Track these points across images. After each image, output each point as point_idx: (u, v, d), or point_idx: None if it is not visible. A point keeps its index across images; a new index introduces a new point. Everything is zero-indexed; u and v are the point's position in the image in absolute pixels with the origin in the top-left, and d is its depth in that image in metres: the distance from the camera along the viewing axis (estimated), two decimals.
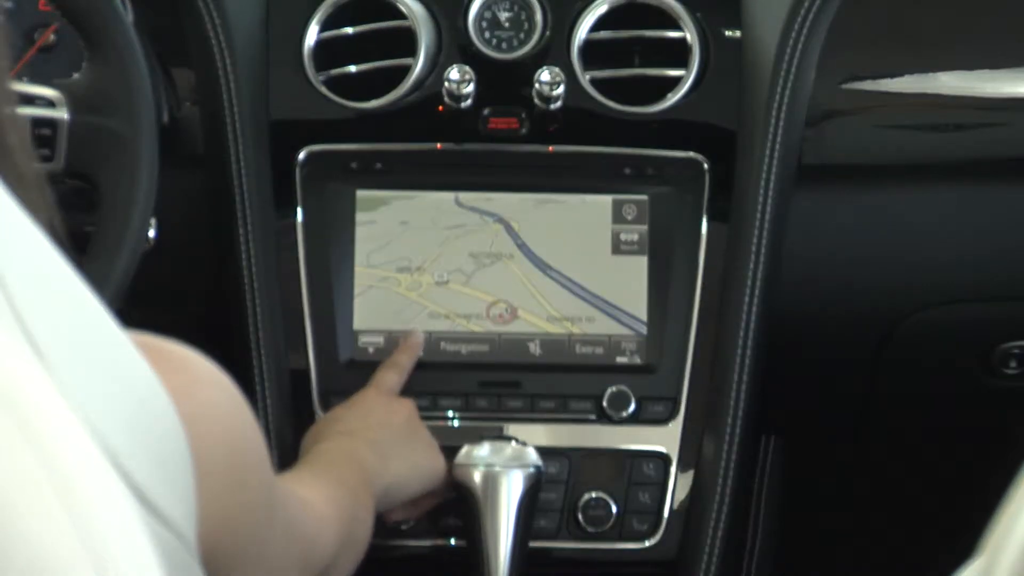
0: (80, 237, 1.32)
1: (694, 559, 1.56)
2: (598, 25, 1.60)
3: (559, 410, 1.57)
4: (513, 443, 1.51)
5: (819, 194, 1.63)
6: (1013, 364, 1.73)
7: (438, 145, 1.61)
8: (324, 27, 1.61)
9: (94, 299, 0.74)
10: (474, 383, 1.58)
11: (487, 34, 1.59)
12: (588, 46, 1.60)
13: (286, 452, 1.55)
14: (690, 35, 1.59)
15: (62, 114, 1.39)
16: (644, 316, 1.58)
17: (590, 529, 1.55)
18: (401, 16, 1.59)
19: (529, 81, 1.57)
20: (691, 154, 1.60)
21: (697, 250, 1.59)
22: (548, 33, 1.58)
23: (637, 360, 1.58)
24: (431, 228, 1.60)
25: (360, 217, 1.60)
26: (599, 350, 1.58)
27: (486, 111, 1.60)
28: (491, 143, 1.61)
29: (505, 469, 1.47)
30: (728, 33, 1.61)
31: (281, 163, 1.60)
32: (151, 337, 0.82)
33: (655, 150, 1.60)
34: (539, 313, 1.59)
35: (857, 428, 1.86)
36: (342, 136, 1.60)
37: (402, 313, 1.59)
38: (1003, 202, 1.66)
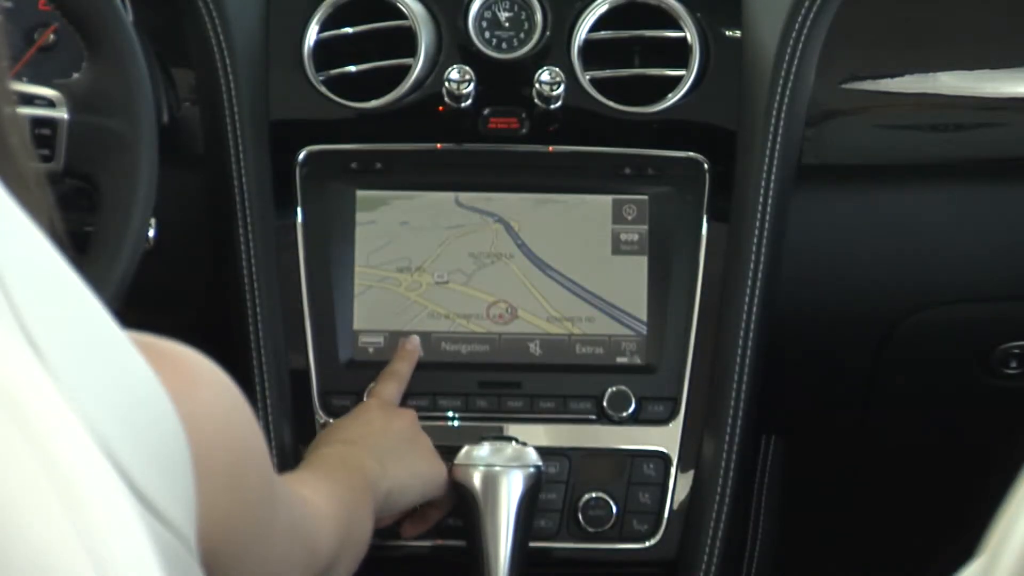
0: (80, 237, 1.32)
1: (694, 559, 1.56)
2: (598, 25, 1.60)
3: (559, 410, 1.57)
4: (513, 443, 1.51)
5: (819, 194, 1.63)
6: (1013, 364, 1.73)
7: (438, 145, 1.61)
8: (324, 27, 1.61)
9: (94, 299, 0.74)
10: (474, 383, 1.58)
11: (487, 34, 1.59)
12: (588, 46, 1.60)
13: (286, 452, 1.55)
14: (690, 35, 1.59)
15: (62, 114, 1.39)
16: (644, 316, 1.58)
17: (590, 529, 1.55)
18: (401, 16, 1.59)
19: (529, 81, 1.57)
20: (691, 154, 1.60)
21: (697, 250, 1.59)
22: (548, 33, 1.58)
23: (637, 360, 1.58)
24: (431, 228, 1.60)
25: (360, 217, 1.60)
26: (599, 350, 1.58)
27: (486, 111, 1.60)
28: (491, 143, 1.61)
29: (505, 469, 1.47)
30: (728, 33, 1.61)
31: (281, 163, 1.60)
32: (151, 337, 0.82)
33: (655, 150, 1.60)
34: (539, 313, 1.59)
35: (857, 428, 1.85)
36: (342, 136, 1.60)
37: (402, 313, 1.59)
38: (1003, 202, 1.66)
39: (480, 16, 1.59)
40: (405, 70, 1.59)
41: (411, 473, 1.46)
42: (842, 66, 1.61)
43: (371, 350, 1.58)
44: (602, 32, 1.60)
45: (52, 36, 1.62)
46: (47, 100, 1.39)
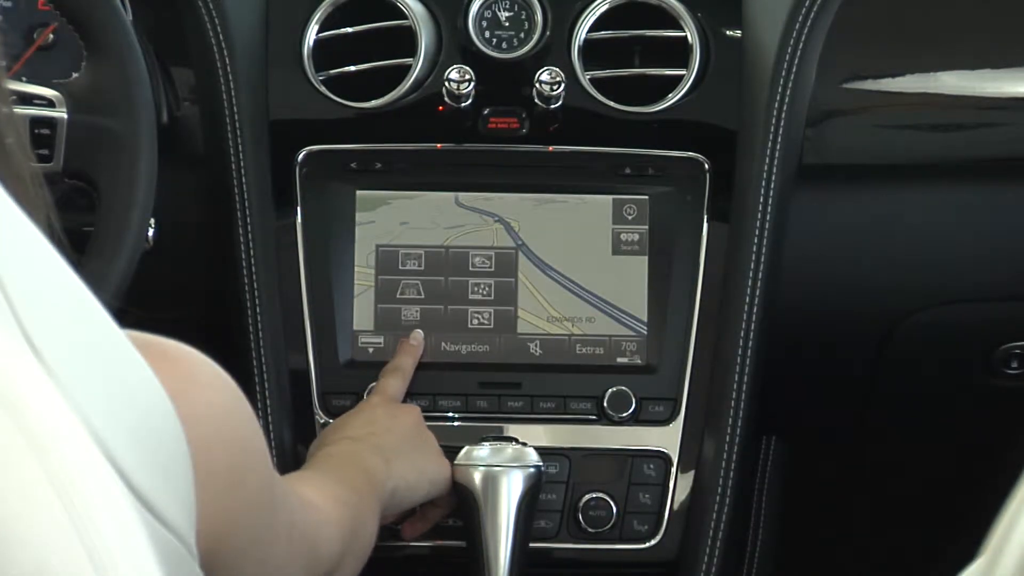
0: (79, 237, 1.32)
1: (694, 560, 1.55)
2: (598, 25, 1.60)
3: (559, 410, 1.57)
4: (513, 443, 1.50)
5: (820, 194, 1.63)
6: (1014, 364, 1.72)
7: (438, 145, 1.61)
8: (324, 27, 1.61)
9: (93, 300, 0.74)
10: (474, 383, 1.58)
11: (487, 34, 1.59)
12: (588, 46, 1.59)
13: (286, 453, 1.55)
14: (690, 35, 1.59)
15: (61, 114, 1.39)
16: (644, 316, 1.58)
17: (590, 530, 1.55)
18: (401, 16, 1.59)
19: (529, 81, 1.57)
20: (691, 154, 1.60)
21: (698, 250, 1.59)
22: (548, 33, 1.58)
23: (637, 360, 1.58)
24: (431, 228, 1.60)
25: (360, 217, 1.59)
26: (599, 350, 1.58)
27: (486, 111, 1.59)
28: (491, 143, 1.60)
29: (505, 469, 1.47)
30: (729, 33, 1.61)
31: (281, 163, 1.60)
32: (152, 336, 0.82)
33: (655, 150, 1.60)
34: (539, 313, 1.59)
35: (857, 428, 1.85)
36: (342, 136, 1.60)
37: (402, 313, 1.59)
38: (1003, 202, 1.66)
39: (480, 16, 1.59)
40: (405, 70, 1.58)
41: (417, 471, 1.46)
42: (842, 66, 1.61)
43: (371, 350, 1.58)
44: (602, 32, 1.60)
45: (51, 36, 1.62)
46: (46, 100, 1.39)
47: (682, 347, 1.57)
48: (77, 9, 1.38)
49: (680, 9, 1.60)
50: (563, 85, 1.57)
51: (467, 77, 1.57)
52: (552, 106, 1.58)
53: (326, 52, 1.60)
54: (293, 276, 1.58)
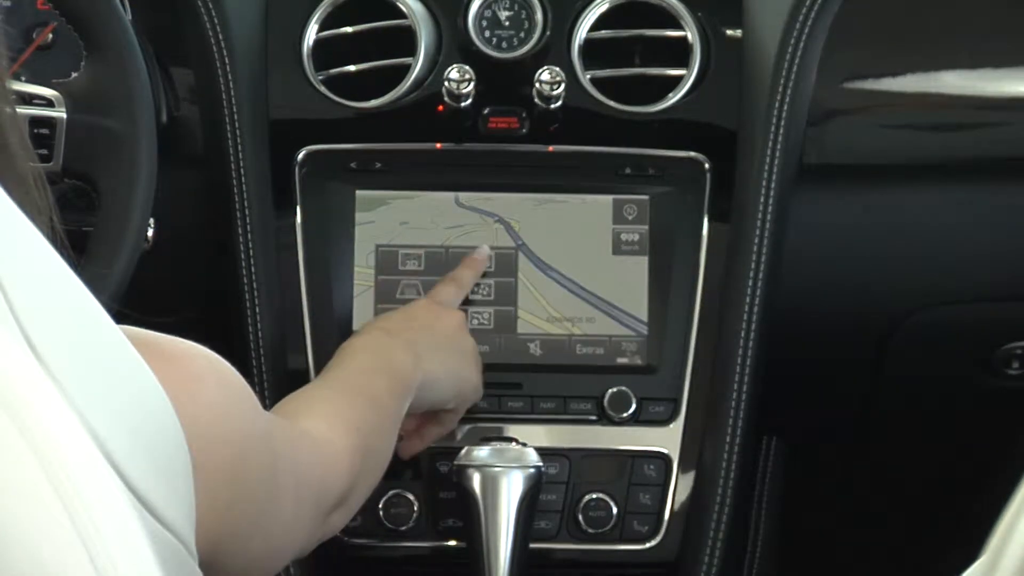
0: (79, 237, 1.32)
1: (695, 560, 1.55)
2: (598, 24, 1.59)
3: (559, 411, 1.57)
4: (513, 444, 1.50)
5: (820, 194, 1.63)
6: (1015, 364, 1.72)
7: (438, 145, 1.61)
8: (323, 26, 1.60)
9: (92, 300, 0.74)
10: None
11: (487, 33, 1.59)
12: (588, 45, 1.59)
13: None
14: (691, 34, 1.59)
15: (60, 114, 1.39)
16: (645, 316, 1.58)
17: (590, 530, 1.55)
18: (401, 15, 1.59)
19: (529, 80, 1.57)
20: (692, 154, 1.60)
21: (698, 250, 1.59)
22: (548, 32, 1.58)
23: (638, 361, 1.58)
24: (431, 228, 1.60)
25: (360, 217, 1.59)
26: (600, 351, 1.58)
27: (486, 111, 1.59)
28: (491, 143, 1.60)
29: (505, 470, 1.47)
30: (729, 32, 1.61)
31: (281, 163, 1.60)
32: (151, 334, 0.82)
33: (656, 150, 1.60)
34: (539, 313, 1.59)
35: (858, 429, 1.85)
36: (342, 136, 1.60)
37: None
38: (1004, 202, 1.66)
39: (480, 15, 1.58)
40: (405, 70, 1.58)
41: (445, 369, 1.45)
42: (843, 66, 1.61)
43: None
44: (602, 31, 1.60)
45: (51, 35, 1.62)
46: (46, 100, 1.39)
47: (682, 347, 1.57)
48: (76, 9, 1.38)
49: (680, 9, 1.59)
50: (563, 85, 1.57)
51: (467, 77, 1.57)
52: (552, 106, 1.58)
53: (326, 52, 1.60)
54: (293, 276, 1.58)
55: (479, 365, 1.53)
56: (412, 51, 1.58)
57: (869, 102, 1.63)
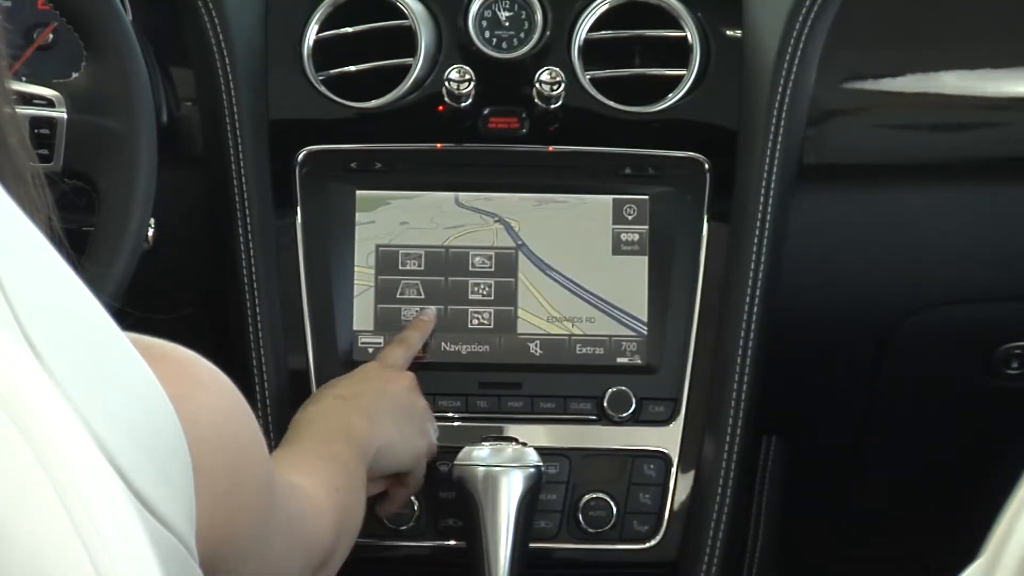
0: (79, 237, 1.32)
1: (695, 560, 1.55)
2: (598, 24, 1.60)
3: (559, 410, 1.57)
4: (513, 444, 1.50)
5: (820, 194, 1.63)
6: (1015, 364, 1.72)
7: (438, 145, 1.61)
8: (323, 27, 1.60)
9: (93, 300, 0.74)
10: (474, 383, 1.58)
11: (487, 33, 1.59)
12: (588, 46, 1.59)
13: None
14: (691, 34, 1.59)
15: (61, 114, 1.39)
16: (645, 316, 1.58)
17: (590, 530, 1.55)
18: (401, 16, 1.59)
19: (529, 81, 1.57)
20: (692, 154, 1.60)
21: (698, 250, 1.59)
22: (548, 32, 1.58)
23: (638, 360, 1.58)
24: (431, 228, 1.60)
25: (360, 217, 1.59)
26: (599, 350, 1.58)
27: (486, 111, 1.59)
28: (491, 143, 1.60)
29: (505, 470, 1.47)
30: (729, 32, 1.61)
31: (281, 163, 1.60)
32: (151, 339, 0.82)
33: (655, 150, 1.60)
34: (539, 313, 1.59)
35: (858, 428, 1.85)
36: (342, 136, 1.60)
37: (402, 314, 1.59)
38: (1004, 202, 1.66)
39: (480, 16, 1.59)
40: (405, 70, 1.58)
41: (400, 433, 1.45)
42: (842, 66, 1.61)
43: (371, 350, 1.58)
44: (602, 32, 1.60)
45: (51, 35, 1.62)
46: (46, 100, 1.39)
47: (682, 347, 1.57)
48: (77, 9, 1.38)
49: (680, 9, 1.59)
50: (563, 85, 1.57)
51: (467, 77, 1.57)
52: (552, 106, 1.58)
53: (326, 52, 1.60)
54: (293, 276, 1.58)
55: (433, 424, 1.52)
56: (412, 51, 1.58)
57: (869, 102, 1.63)
